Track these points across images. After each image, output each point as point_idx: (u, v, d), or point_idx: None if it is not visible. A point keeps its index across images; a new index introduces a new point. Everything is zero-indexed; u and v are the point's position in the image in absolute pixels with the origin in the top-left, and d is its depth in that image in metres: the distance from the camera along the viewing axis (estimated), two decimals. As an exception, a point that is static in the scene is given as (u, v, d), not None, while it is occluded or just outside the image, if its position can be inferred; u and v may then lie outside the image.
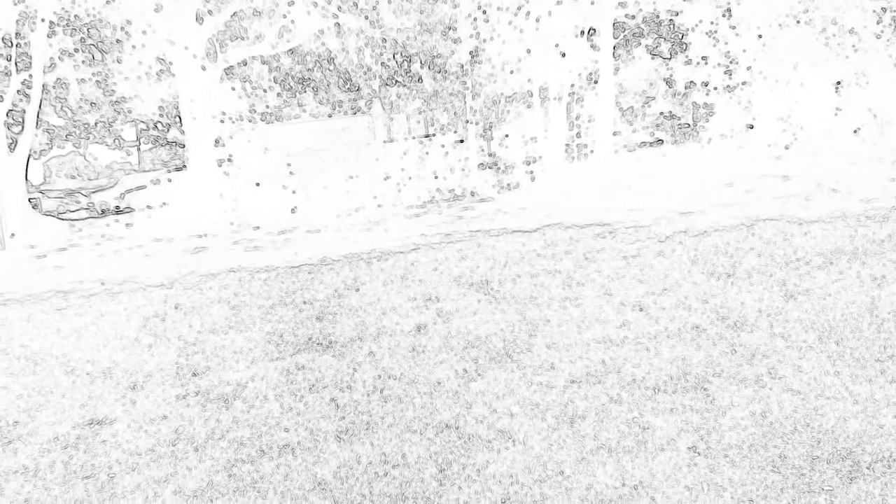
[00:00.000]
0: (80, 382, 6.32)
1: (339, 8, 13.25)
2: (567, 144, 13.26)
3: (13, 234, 13.92)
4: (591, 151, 12.97)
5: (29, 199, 14.66)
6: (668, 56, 13.87)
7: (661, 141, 13.69)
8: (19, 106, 14.35)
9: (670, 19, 13.67)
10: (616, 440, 4.60)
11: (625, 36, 13.15)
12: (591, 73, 13.19)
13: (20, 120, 14.32)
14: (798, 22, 13.92)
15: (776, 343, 5.55)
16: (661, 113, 13.86)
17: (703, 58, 13.92)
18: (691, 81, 13.90)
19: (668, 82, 13.52)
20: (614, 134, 13.25)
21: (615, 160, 13.16)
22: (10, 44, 14.60)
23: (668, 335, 5.92)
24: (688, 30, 13.72)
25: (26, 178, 14.50)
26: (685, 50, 13.62)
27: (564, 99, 13.07)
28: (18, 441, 5.27)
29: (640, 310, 6.46)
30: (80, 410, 5.70)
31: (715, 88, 13.86)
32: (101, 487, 4.52)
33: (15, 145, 14.28)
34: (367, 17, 12.70)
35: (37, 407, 5.87)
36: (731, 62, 14.15)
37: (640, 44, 13.27)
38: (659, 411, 4.88)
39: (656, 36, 13.41)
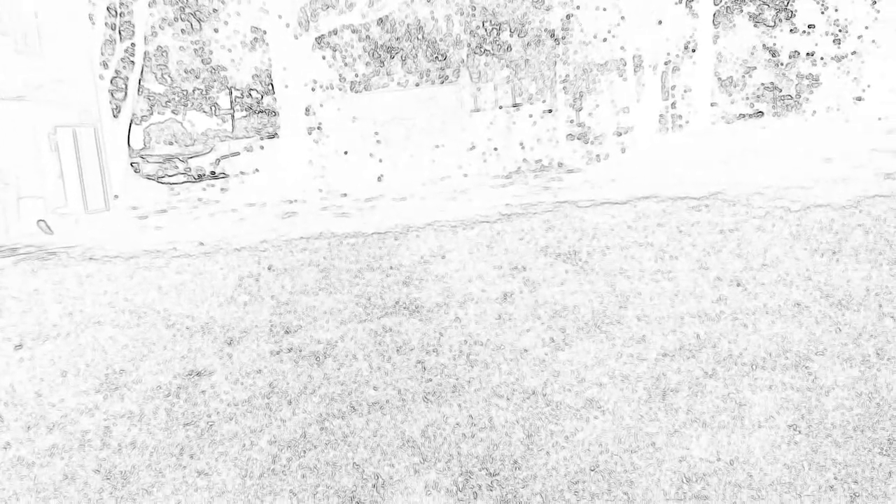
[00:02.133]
0: (180, 336, 6.61)
1: (431, -25, 13.17)
2: (661, 115, 12.85)
3: (116, 196, 14.59)
4: (687, 122, 12.52)
5: (131, 164, 15.32)
6: (772, 24, 13.18)
7: (761, 113, 13.07)
8: (122, 73, 14.94)
9: (775, -16, 12.96)
10: (710, 415, 4.46)
11: (726, 2, 12.56)
12: (688, 41, 12.70)
13: (123, 87, 14.92)
14: (918, -14, 12.95)
15: (885, 323, 5.25)
16: (763, 84, 13.22)
17: (810, 26, 13.15)
18: (796, 51, 13.18)
19: (771, 51, 12.86)
20: (712, 105, 12.75)
21: (712, 132, 12.66)
22: (114, 13, 15.18)
23: (766, 311, 5.69)
24: (794, -5, 12.98)
25: (128, 144, 15.14)
26: (791, 17, 12.90)
27: (660, 68, 12.64)
28: (124, 388, 5.56)
29: (738, 285, 6.23)
30: (181, 362, 5.96)
31: (822, 58, 13.10)
32: (200, 434, 4.71)
33: (118, 111, 14.90)
34: (458, -16, 12.57)
35: (140, 357, 6.17)
36: (840, 30, 13.31)
37: (741, 10, 12.65)
38: (757, 388, 4.70)
39: (760, 2, 12.74)
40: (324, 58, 13.67)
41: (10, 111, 14.27)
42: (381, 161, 13.85)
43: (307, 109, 13.84)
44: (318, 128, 14.12)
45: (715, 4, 12.09)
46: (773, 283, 6.26)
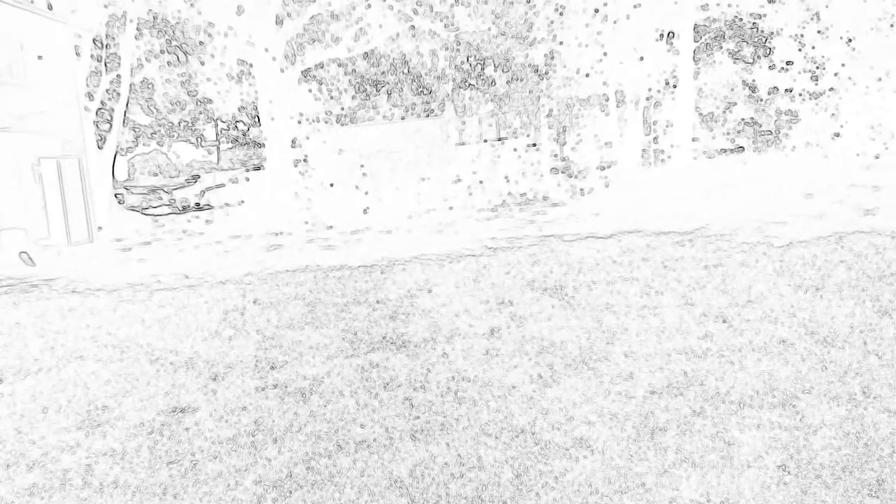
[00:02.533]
0: (163, 371, 6.52)
1: (415, 11, 13.33)
2: (643, 150, 13.01)
3: (100, 228, 14.48)
4: (669, 157, 12.68)
5: (115, 195, 15.23)
6: (751, 60, 13.46)
7: (741, 148, 13.28)
8: (108, 105, 14.93)
9: (754, 23, 13.26)
10: (700, 454, 4.46)
11: (706, 39, 12.82)
12: (669, 77, 12.92)
13: (108, 118, 14.90)
14: (892, 26, 13.28)
15: (870, 360, 5.30)
16: (743, 119, 13.45)
17: (788, 62, 13.45)
18: (775, 87, 13.45)
19: (751, 87, 13.11)
20: (693, 140, 12.94)
21: (694, 167, 12.83)
22: (100, 45, 15.21)
23: (753, 348, 5.72)
24: (772, 33, 13.28)
25: (113, 175, 15.07)
26: (769, 54, 13.19)
27: (641, 103, 12.83)
28: (107, 425, 5.47)
29: (724, 321, 6.26)
30: (165, 398, 5.87)
31: (800, 94, 13.37)
32: (184, 473, 4.64)
33: (103, 142, 14.86)
34: (442, 21, 12.73)
35: (123, 393, 6.08)
36: (817, 67, 13.62)
37: (721, 47, 12.91)
38: (745, 427, 4.72)
39: (739, 39, 13.02)
40: (310, 91, 13.76)
41: (-6, 142, 14.18)
42: (366, 193, 13.89)
43: (293, 142, 13.88)
44: (304, 160, 14.16)
45: (695, 41, 12.34)
46: (759, 319, 6.31)
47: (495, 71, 12.39)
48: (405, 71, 12.83)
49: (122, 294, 9.72)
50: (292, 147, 14.27)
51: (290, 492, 4.37)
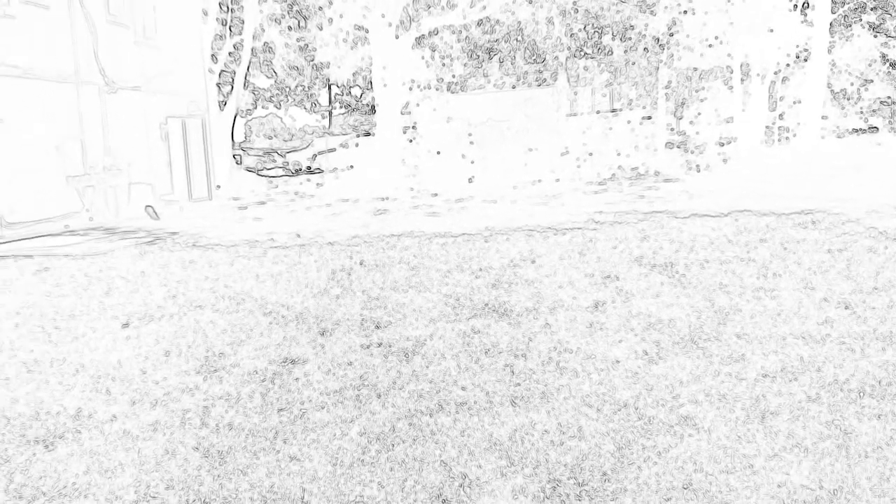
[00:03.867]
0: (276, 324, 6.82)
1: (534, -23, 13.11)
2: (767, 127, 12.37)
3: (219, 186, 15.20)
4: (794, 135, 12.00)
5: (233, 156, 15.92)
6: (894, 34, 12.46)
7: (875, 128, 12.39)
8: (230, 67, 15.54)
9: (899, -7, 12.24)
10: (813, 441, 4.26)
11: (844, 11, 11.97)
12: (801, 51, 12.17)
13: (230, 81, 15.52)
14: None
15: None
16: (879, 98, 12.53)
17: (935, 37, 12.37)
18: (918, 63, 12.42)
19: (892, 63, 12.16)
20: (822, 118, 12.18)
21: (821, 146, 12.09)
22: (226, 8, 15.80)
23: (876, 337, 5.38)
24: (919, 5, 12.23)
25: (232, 136, 15.74)
26: (914, 27, 12.18)
27: (769, 77, 12.17)
28: (223, 371, 5.78)
29: (846, 307, 5.92)
30: (276, 349, 6.15)
31: (946, 71, 12.29)
32: (293, 420, 4.85)
33: (224, 104, 15.51)
34: (561, -13, 12.47)
35: (239, 342, 6.40)
36: (969, 42, 12.51)
37: (860, 19, 12.02)
38: (864, 416, 4.46)
39: (881, 11, 12.08)
40: (422, 58, 13.82)
41: (126, 100, 15.09)
42: (472, 163, 13.90)
43: (403, 108, 14.03)
44: (413, 127, 14.29)
45: (832, 13, 11.54)
46: (885, 307, 5.93)
47: (613, 40, 12.03)
48: (519, 38, 12.67)
49: (238, 250, 10.19)
50: (402, 114, 14.41)
51: (393, 445, 4.49)
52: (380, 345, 6.20)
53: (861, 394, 4.72)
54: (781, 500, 3.70)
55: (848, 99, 11.19)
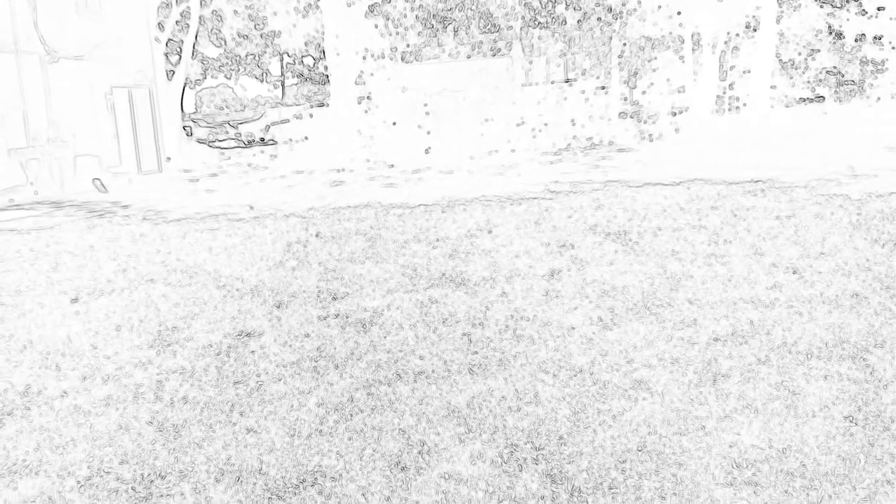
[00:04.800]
0: (230, 297, 6.73)
1: (488, -55, 12.99)
2: (718, 96, 12.54)
3: (169, 158, 14.83)
4: (744, 105, 12.20)
5: (183, 127, 15.52)
6: (839, 5, 12.71)
7: (822, 98, 12.67)
8: (178, 36, 15.08)
9: (845, -36, 12.46)
10: (762, 402, 4.39)
11: (793, -19, 12.13)
12: (750, 20, 12.33)
13: (178, 50, 15.07)
14: None
15: (950, 318, 5.09)
16: (825, 68, 12.79)
17: (880, 8, 12.65)
18: (862, 34, 12.70)
19: (837, 34, 12.41)
20: (771, 87, 12.40)
21: (770, 115, 12.32)
22: (173, -24, 15.29)
23: (823, 300, 5.55)
24: (865, -24, 12.47)
25: (181, 107, 15.33)
26: (859, -2, 12.43)
27: (719, 47, 12.31)
28: (176, 345, 5.69)
29: (794, 272, 6.08)
30: (231, 322, 6.07)
31: (890, 43, 12.60)
32: (250, 392, 4.80)
33: (172, 74, 15.08)
34: (516, -45, 12.38)
35: (192, 316, 6.30)
36: (911, 13, 12.80)
37: (808, -10, 12.21)
38: (812, 377, 4.61)
39: (828, -18, 12.29)
40: (376, 26, 13.62)
41: (70, 70, 14.56)
42: (429, 133, 13.81)
43: (358, 78, 13.83)
44: (368, 97, 14.12)
45: (781, -17, 11.68)
46: (831, 272, 6.10)
47: (567, 9, 12.02)
48: (473, 7, 12.56)
49: (190, 223, 9.99)
50: (357, 84, 14.23)
51: (352, 415, 4.49)
52: (337, 316, 6.16)
53: (808, 356, 4.86)
54: (733, 460, 3.81)
55: (796, 69, 11.41)
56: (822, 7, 12.16)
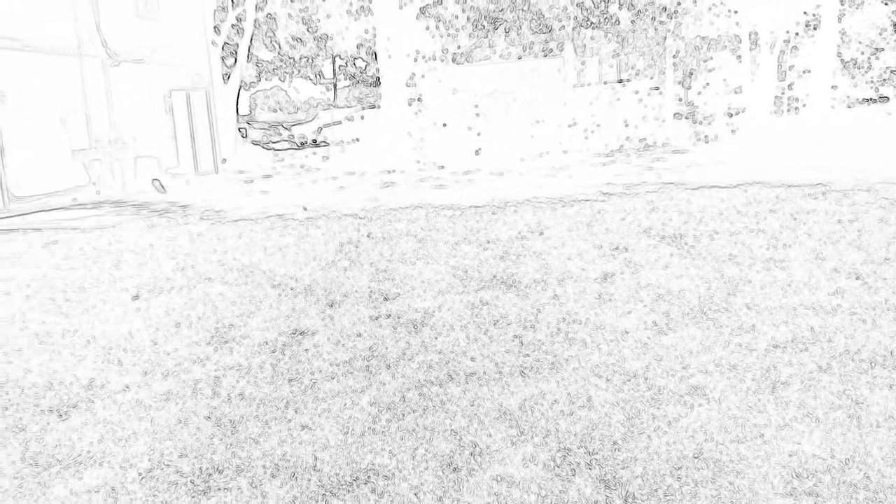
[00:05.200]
0: (284, 296, 6.84)
1: (541, -54, 12.91)
2: (776, 97, 12.23)
3: (224, 160, 15.16)
4: (804, 105, 11.88)
5: (238, 129, 15.84)
6: (906, 1, 12.26)
7: (886, 98, 12.25)
8: (233, 40, 15.41)
9: (913, -41, 12.02)
10: (824, 411, 4.27)
11: (856, -23, 11.76)
12: (811, 19, 11.99)
13: (233, 53, 15.39)
14: None
15: None
16: (889, 67, 12.37)
17: (949, 4, 12.16)
18: (930, 31, 12.23)
19: (903, 31, 11.98)
20: (832, 87, 12.04)
21: (831, 116, 11.97)
22: (230, -20, 15.61)
23: (888, 307, 5.36)
24: (933, -29, 12.01)
25: (236, 109, 15.65)
26: (927, -5, 11.98)
27: (777, 46, 12.01)
28: (233, 342, 5.81)
29: (857, 278, 5.89)
30: (286, 320, 6.16)
31: (960, 40, 12.11)
32: (304, 390, 4.87)
33: (228, 77, 15.40)
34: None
35: (248, 314, 6.43)
36: (983, 10, 12.30)
37: (873, -13, 11.82)
38: (875, 386, 4.46)
39: (894, -22, 11.87)
40: (427, 28, 13.68)
41: (130, 73, 14.99)
42: (479, 135, 13.81)
43: (409, 80, 13.91)
44: (419, 99, 14.19)
45: (844, -20, 11.34)
46: (897, 278, 5.90)
47: (620, 9, 11.88)
48: (525, 8, 12.51)
49: (245, 223, 10.19)
50: (407, 86, 14.30)
51: (404, 415, 4.51)
52: (388, 316, 6.21)
53: (872, 364, 4.72)
54: (793, 470, 3.71)
55: (858, 68, 11.07)
56: (886, 4, 11.77)
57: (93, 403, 4.90)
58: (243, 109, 17.02)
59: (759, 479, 3.70)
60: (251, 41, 14.85)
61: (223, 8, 15.67)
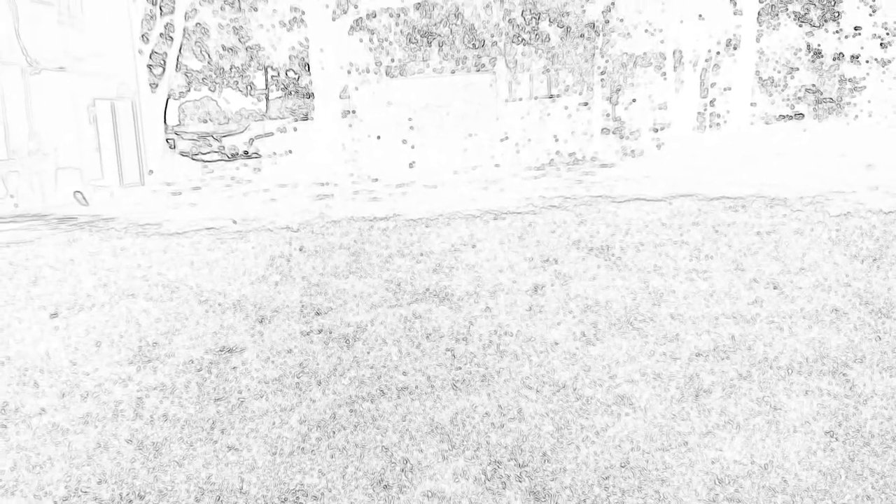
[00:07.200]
0: (212, 312, 6.67)
1: (472, -38, 13.07)
2: (699, 113, 12.66)
3: (151, 171, 14.74)
4: (725, 122, 12.33)
5: (166, 139, 15.44)
6: (818, 24, 12.92)
7: (801, 115, 12.84)
8: (161, 49, 15.03)
9: (823, -16, 12.68)
10: (744, 417, 4.41)
11: (771, 0, 12.32)
12: (731, 39, 12.48)
13: (161, 62, 15.03)
14: (972, -10, 12.62)
15: (927, 334, 5.14)
16: (804, 86, 12.97)
17: (857, 28, 12.88)
18: (840, 53, 12.91)
19: (816, 52, 12.61)
20: (751, 104, 12.54)
21: (750, 132, 12.45)
22: (157, -11, 15.25)
23: (804, 316, 5.60)
24: (842, -4, 12.70)
25: (164, 119, 15.26)
26: (837, 18, 12.65)
27: (700, 64, 12.45)
28: (157, 361, 5.63)
29: (775, 288, 6.14)
30: (213, 337, 6.02)
31: (867, 62, 12.82)
32: (231, 409, 4.76)
33: (156, 87, 15.02)
34: (500, -28, 12.46)
35: (173, 331, 6.24)
36: (888, 33, 13.01)
37: (786, 9, 12.41)
38: (792, 392, 4.64)
39: (806, 1, 12.49)
40: (361, 41, 13.65)
41: (51, 81, 14.45)
42: (413, 147, 13.83)
43: (342, 92, 13.84)
44: (353, 112, 14.13)
45: (760, 1, 11.86)
46: (811, 287, 6.16)
47: (550, 25, 12.12)
48: (458, 23, 12.63)
49: (172, 237, 9.91)
50: (341, 98, 14.23)
51: (334, 432, 4.45)
52: (320, 331, 6.13)
53: (789, 371, 4.90)
54: (715, 476, 3.82)
55: (775, 86, 11.56)
56: (800, 26, 12.34)
57: (5, 428, 4.66)
58: (172, 120, 16.63)
59: (684, 486, 3.78)
60: (180, 50, 14.57)
61: (151, 16, 15.32)
